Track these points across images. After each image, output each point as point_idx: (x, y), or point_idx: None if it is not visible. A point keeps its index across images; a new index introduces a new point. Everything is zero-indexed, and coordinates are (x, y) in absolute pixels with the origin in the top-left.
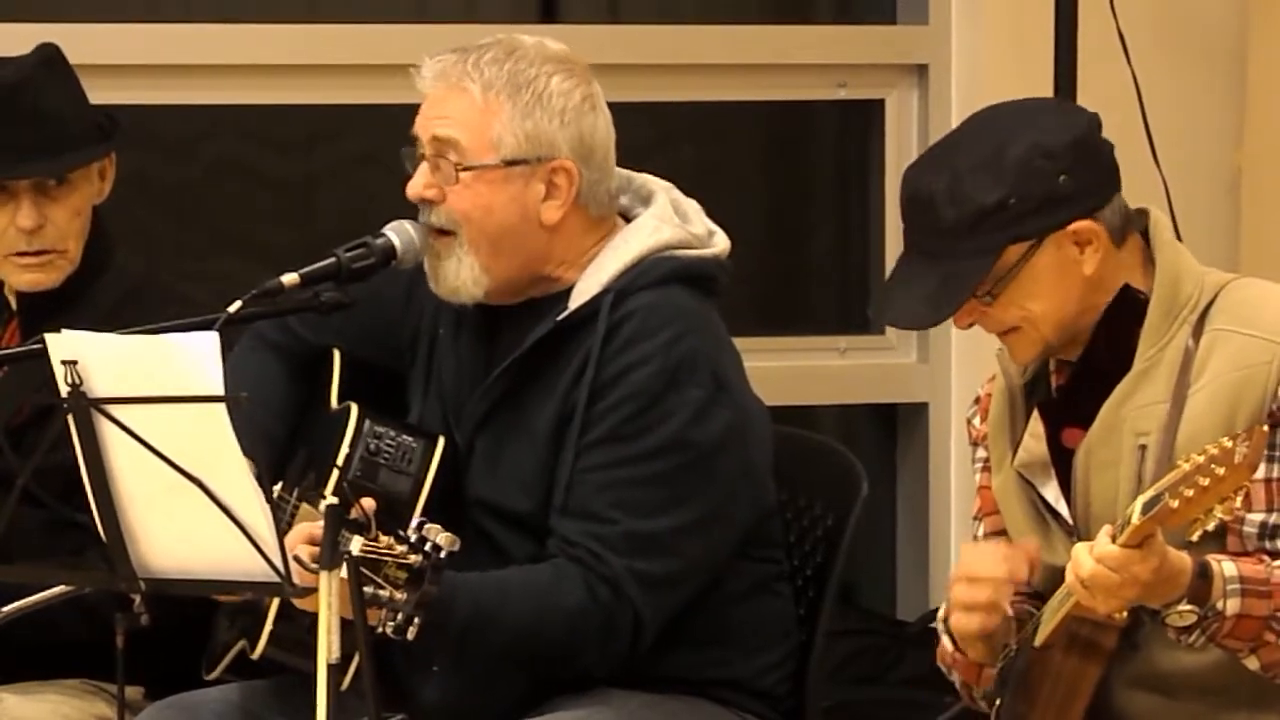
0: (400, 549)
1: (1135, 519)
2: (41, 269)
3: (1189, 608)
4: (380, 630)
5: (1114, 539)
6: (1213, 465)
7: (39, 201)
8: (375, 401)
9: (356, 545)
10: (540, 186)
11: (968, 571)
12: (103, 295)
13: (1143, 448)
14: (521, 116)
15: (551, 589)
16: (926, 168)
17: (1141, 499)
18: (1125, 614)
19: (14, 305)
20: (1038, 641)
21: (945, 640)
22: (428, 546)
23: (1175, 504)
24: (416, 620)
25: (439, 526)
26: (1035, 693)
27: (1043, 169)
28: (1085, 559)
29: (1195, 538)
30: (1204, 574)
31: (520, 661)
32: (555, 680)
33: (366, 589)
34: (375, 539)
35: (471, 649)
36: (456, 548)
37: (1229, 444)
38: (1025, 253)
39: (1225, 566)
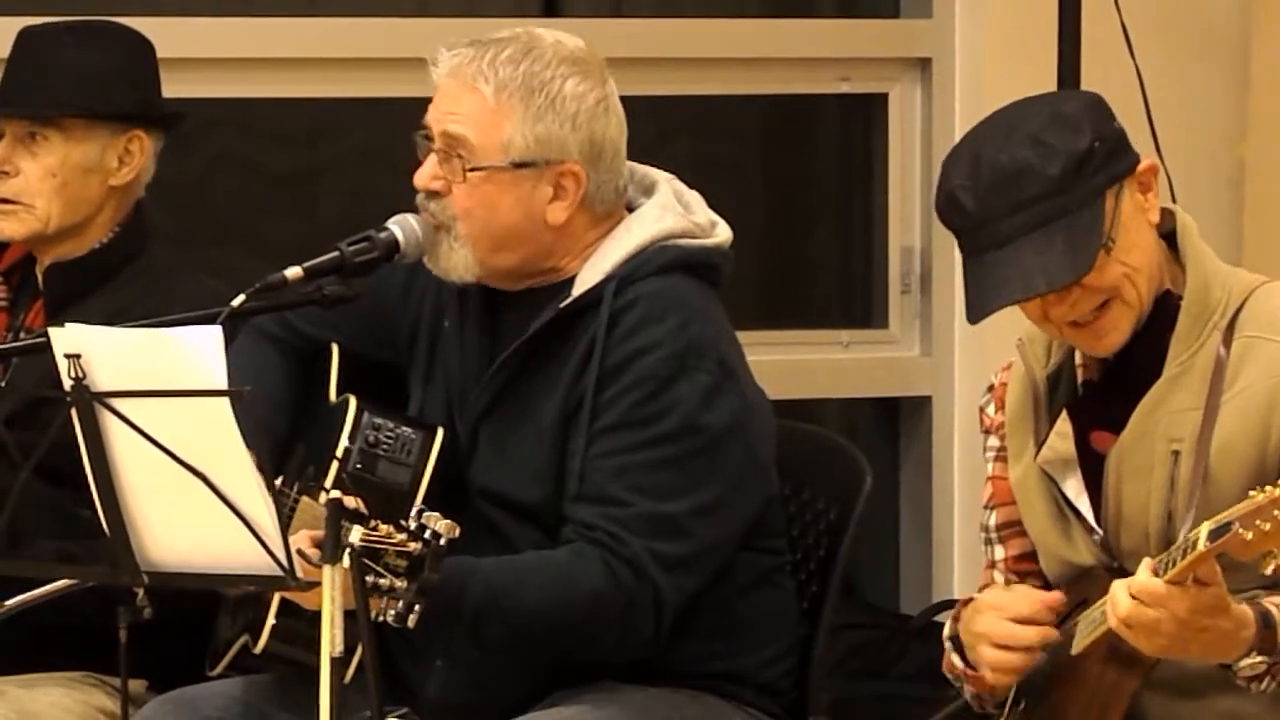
0: (400, 537)
1: (1201, 545)
2: (2, 216)
3: (1260, 659)
4: (381, 619)
5: (1156, 573)
6: None
7: (17, 150)
8: (374, 394)
9: (356, 535)
10: (548, 189)
11: (1012, 612)
12: (129, 283)
13: (1176, 454)
14: (533, 120)
15: (570, 571)
16: (991, 149)
17: (1208, 525)
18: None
19: (41, 285)
20: (1074, 651)
21: (954, 657)
22: (427, 534)
23: (1249, 536)
24: (417, 608)
25: (438, 514)
26: (1067, 701)
27: (1102, 115)
28: (1123, 598)
29: (1270, 570)
30: (1268, 623)
31: (538, 645)
32: (571, 668)
33: (367, 578)
34: (375, 528)
35: (487, 632)
36: (456, 535)
37: None
38: (1117, 197)
39: None
